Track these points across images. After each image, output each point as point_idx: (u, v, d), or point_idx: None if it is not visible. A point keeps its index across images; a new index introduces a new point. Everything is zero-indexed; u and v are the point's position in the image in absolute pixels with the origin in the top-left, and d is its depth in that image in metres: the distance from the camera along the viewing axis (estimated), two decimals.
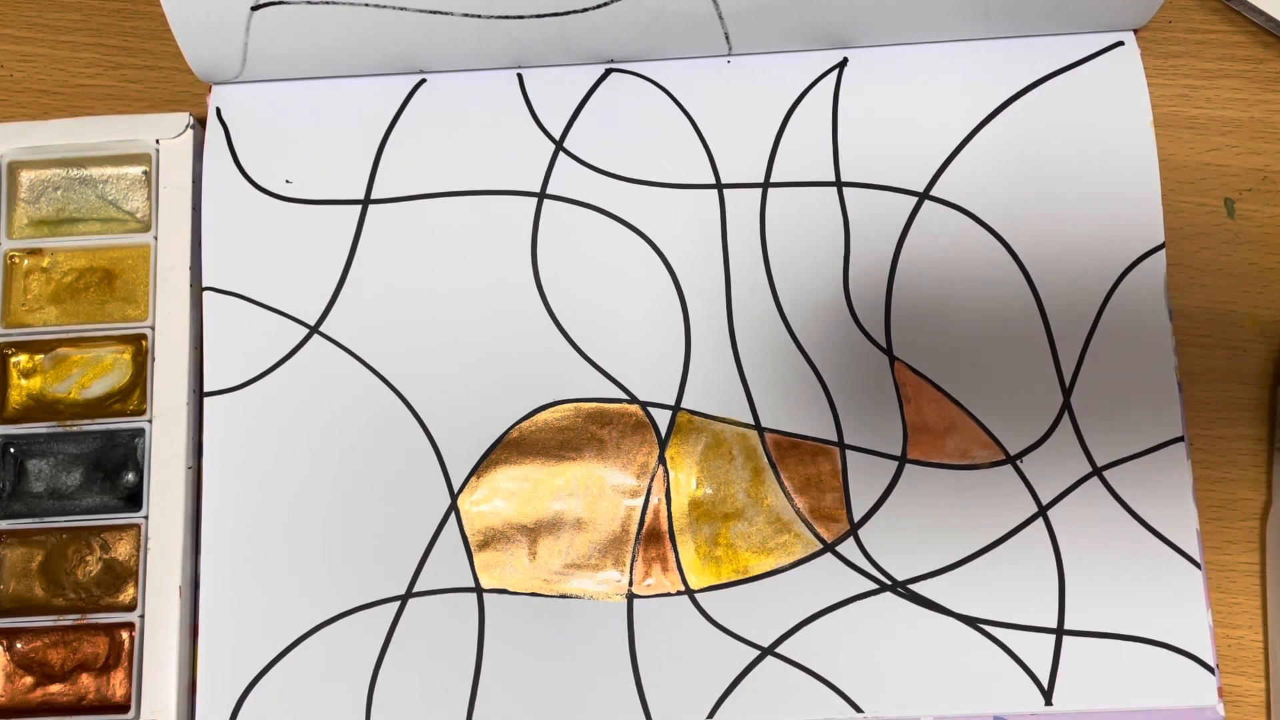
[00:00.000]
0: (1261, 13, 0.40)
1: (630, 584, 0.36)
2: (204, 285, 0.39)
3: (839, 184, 0.39)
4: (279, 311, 0.39)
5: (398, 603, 0.36)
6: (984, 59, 0.40)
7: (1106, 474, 0.37)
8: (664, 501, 0.37)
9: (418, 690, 0.36)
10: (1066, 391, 0.37)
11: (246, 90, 0.40)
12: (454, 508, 0.37)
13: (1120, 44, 0.40)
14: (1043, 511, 0.36)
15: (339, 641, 0.36)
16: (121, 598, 0.37)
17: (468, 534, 0.37)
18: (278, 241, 0.39)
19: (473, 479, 0.37)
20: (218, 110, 0.40)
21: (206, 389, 0.38)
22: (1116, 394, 0.37)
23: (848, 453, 0.37)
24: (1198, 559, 0.36)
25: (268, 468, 0.37)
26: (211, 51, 0.38)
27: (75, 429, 0.38)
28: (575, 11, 0.37)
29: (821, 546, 0.37)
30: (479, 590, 0.36)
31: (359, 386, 0.38)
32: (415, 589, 0.36)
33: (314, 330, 0.38)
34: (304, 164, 0.40)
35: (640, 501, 0.37)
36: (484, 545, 0.37)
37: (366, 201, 0.39)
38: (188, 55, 0.38)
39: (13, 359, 0.38)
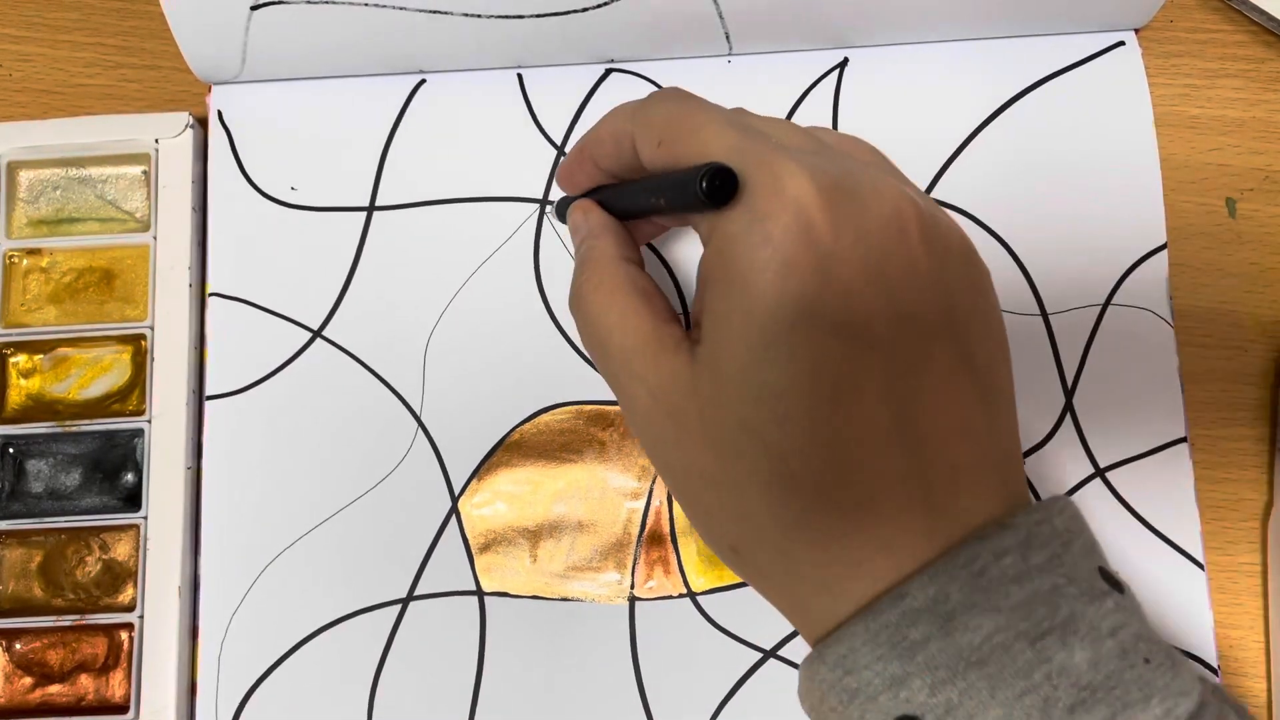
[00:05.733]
0: (1263, 12, 0.40)
1: (632, 586, 0.36)
2: (210, 291, 0.39)
3: None
4: (283, 316, 0.38)
5: (399, 606, 0.36)
6: (985, 59, 0.40)
7: (1109, 475, 0.37)
8: (665, 504, 0.37)
9: (419, 693, 0.36)
10: (1069, 393, 0.37)
11: (247, 92, 0.40)
12: (455, 510, 0.37)
13: (1121, 44, 0.40)
14: None
15: (340, 645, 0.36)
16: (121, 598, 0.36)
17: (469, 537, 0.37)
18: (283, 247, 0.39)
19: (473, 482, 0.37)
20: (219, 114, 0.40)
21: (210, 393, 0.38)
22: (1119, 395, 0.37)
23: None
24: (1201, 560, 0.36)
25: (269, 470, 0.37)
26: (211, 51, 0.38)
27: (74, 429, 0.37)
28: (575, 11, 0.37)
29: None
30: (480, 593, 0.36)
31: (360, 389, 0.38)
32: (416, 592, 0.36)
33: (317, 334, 0.38)
34: (308, 170, 0.39)
35: (642, 504, 0.37)
36: (485, 548, 0.37)
37: (371, 209, 0.39)
38: (187, 55, 0.38)
39: (12, 359, 0.38)
